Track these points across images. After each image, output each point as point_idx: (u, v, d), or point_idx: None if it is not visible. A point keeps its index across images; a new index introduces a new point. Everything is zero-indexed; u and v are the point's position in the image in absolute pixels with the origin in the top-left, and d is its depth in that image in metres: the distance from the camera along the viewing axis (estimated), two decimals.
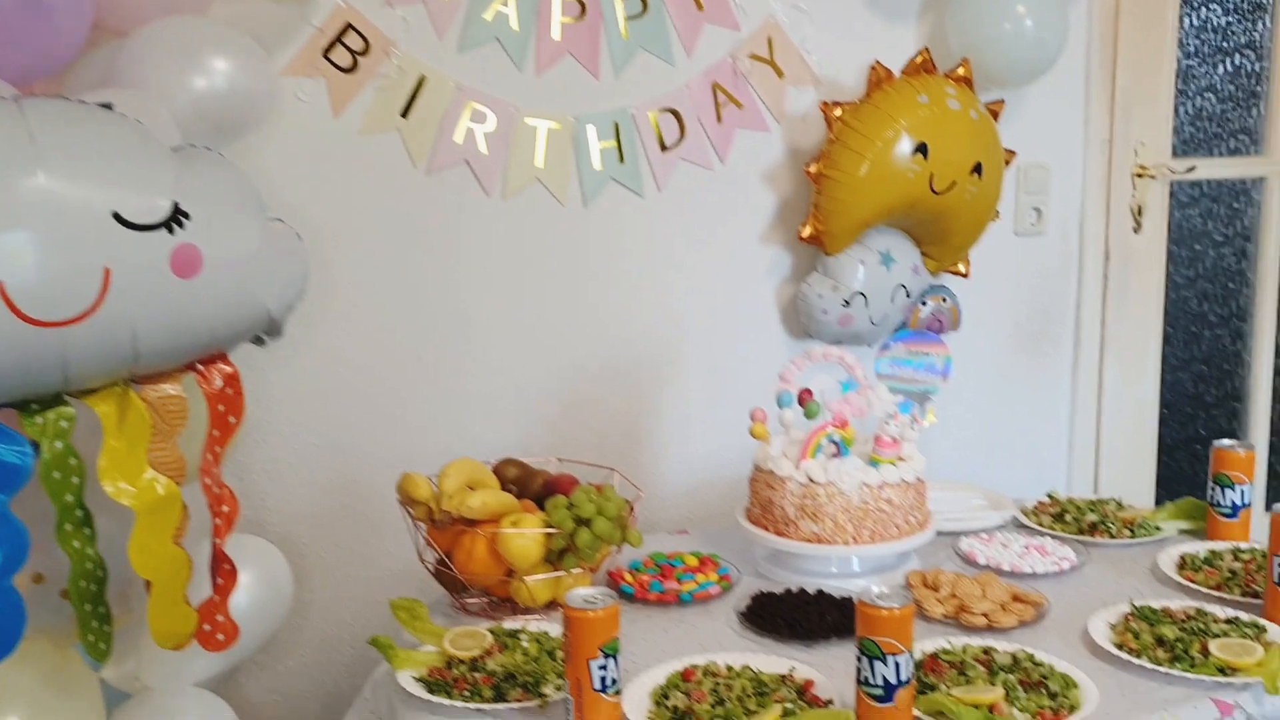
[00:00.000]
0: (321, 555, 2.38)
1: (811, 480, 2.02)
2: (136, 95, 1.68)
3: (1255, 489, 2.20)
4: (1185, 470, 3.31)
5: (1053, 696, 1.61)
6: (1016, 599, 1.94)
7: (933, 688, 1.63)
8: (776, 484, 2.06)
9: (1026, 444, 3.07)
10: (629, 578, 2.06)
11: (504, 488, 2.11)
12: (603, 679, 1.53)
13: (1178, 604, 1.90)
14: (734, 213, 2.63)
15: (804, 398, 2.15)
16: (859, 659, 1.53)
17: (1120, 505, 2.39)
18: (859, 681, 1.54)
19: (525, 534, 1.84)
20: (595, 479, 2.12)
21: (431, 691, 1.66)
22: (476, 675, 1.68)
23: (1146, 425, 3.17)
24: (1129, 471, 3.19)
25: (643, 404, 2.61)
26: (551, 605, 1.95)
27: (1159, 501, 3.18)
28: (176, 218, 1.45)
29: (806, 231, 2.54)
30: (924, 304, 2.74)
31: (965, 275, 2.79)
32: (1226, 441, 2.21)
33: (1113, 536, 2.23)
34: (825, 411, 2.10)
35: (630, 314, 2.57)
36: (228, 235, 1.54)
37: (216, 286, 1.51)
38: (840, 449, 2.06)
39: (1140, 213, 3.04)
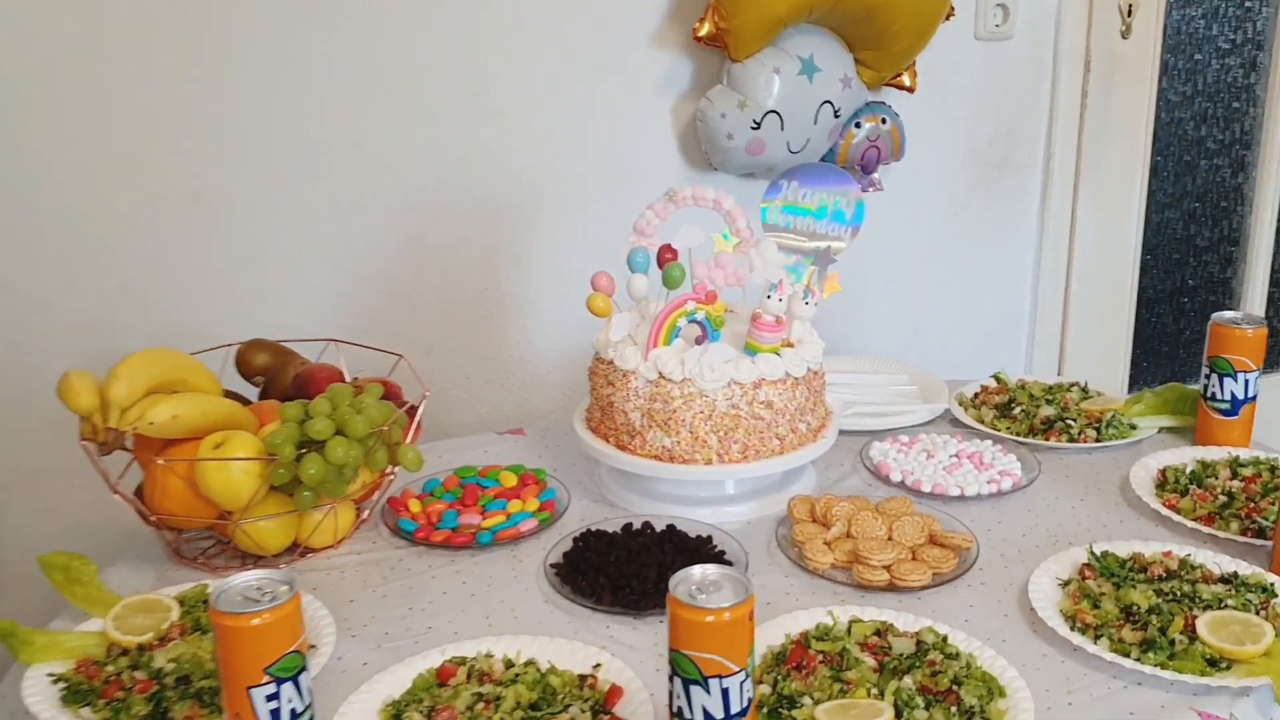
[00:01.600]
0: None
1: (662, 376, 1.47)
2: None
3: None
4: (1166, 330, 2.77)
5: (968, 717, 1.09)
6: (934, 540, 1.41)
7: (792, 702, 1.11)
8: (618, 380, 1.50)
9: (979, 306, 2.52)
10: (415, 507, 1.52)
11: (250, 380, 1.55)
12: (275, 713, 1.00)
13: (1154, 547, 1.38)
14: (614, 4, 1.99)
15: (664, 258, 1.57)
16: (672, 679, 1.01)
17: (1085, 392, 1.85)
18: (672, 713, 1.02)
19: (229, 463, 1.28)
20: (383, 369, 1.57)
21: (65, 702, 1.14)
22: (136, 675, 1.15)
23: (1124, 277, 2.62)
24: (1101, 339, 2.65)
25: (485, 264, 2.03)
26: (296, 549, 1.42)
27: (1134, 381, 2.66)
28: None
29: (704, 30, 1.93)
30: (857, 126, 2.14)
31: (911, 90, 2.19)
32: (1228, 315, 1.66)
33: (1073, 439, 1.70)
34: (689, 279, 1.53)
35: (469, 143, 1.96)
36: None
37: None
38: (706, 332, 1.50)
39: (1129, 12, 2.42)
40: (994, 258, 2.50)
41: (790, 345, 1.52)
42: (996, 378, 1.91)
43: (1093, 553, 1.36)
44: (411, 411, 1.47)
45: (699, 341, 1.51)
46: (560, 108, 2.00)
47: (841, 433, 1.65)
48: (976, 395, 1.86)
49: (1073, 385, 1.86)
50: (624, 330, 1.51)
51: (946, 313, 2.46)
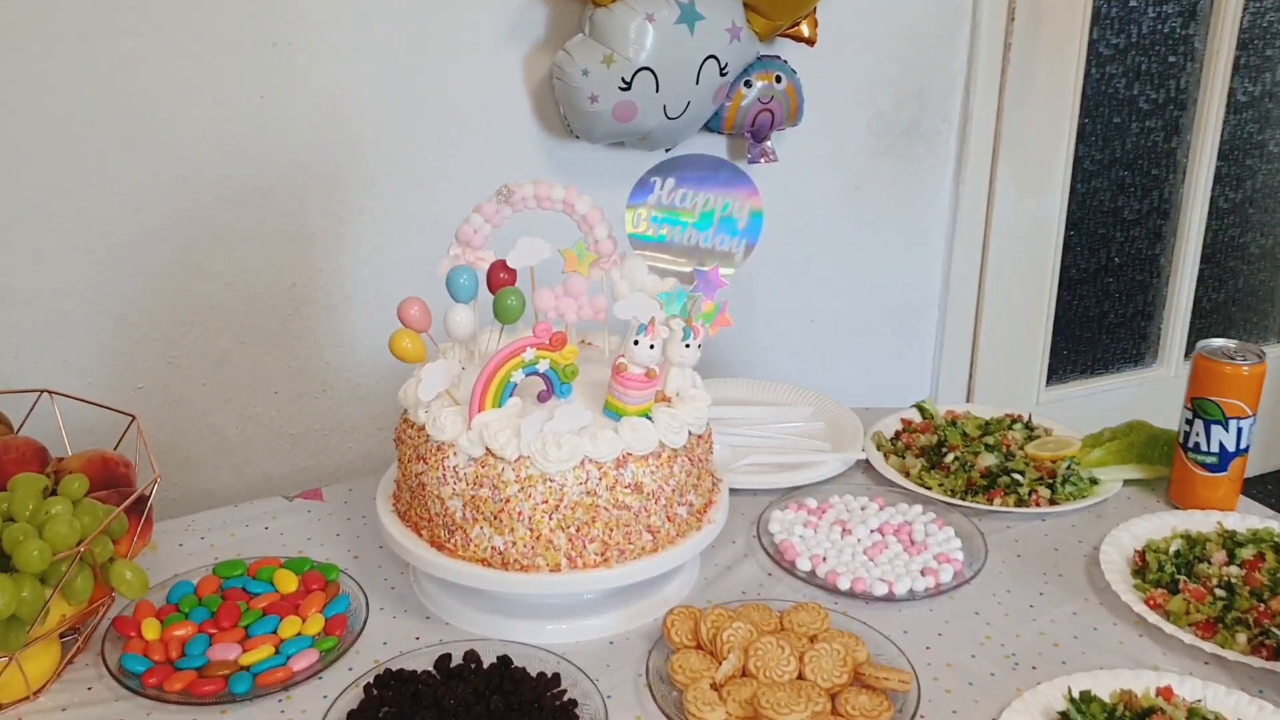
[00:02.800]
0: None
1: (490, 453, 1.06)
2: None
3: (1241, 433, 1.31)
4: (1089, 314, 2.45)
5: None
6: (860, 678, 1.03)
7: None
8: (431, 455, 1.09)
9: (885, 291, 2.16)
10: (151, 631, 1.09)
11: None
12: None
13: (1147, 680, 1.03)
14: None
15: (495, 280, 1.16)
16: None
17: (1030, 430, 1.50)
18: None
19: None
20: (109, 433, 1.13)
21: None
22: None
23: (1045, 255, 2.29)
24: (1019, 324, 2.32)
25: (293, 254, 1.58)
26: None
27: (1053, 370, 2.34)
28: None
29: None
30: (747, 86, 1.74)
31: (810, 42, 1.79)
32: (1218, 343, 1.31)
33: (1022, 501, 1.34)
34: (529, 310, 1.12)
35: (264, 109, 1.50)
36: None
37: None
38: (552, 387, 1.09)
39: None
40: (902, 236, 2.13)
41: (666, 401, 1.13)
42: (921, 409, 1.55)
43: (1072, 699, 1.01)
44: (137, 505, 1.03)
45: (542, 399, 1.10)
46: (382, 60, 1.55)
47: (733, 491, 1.27)
48: (898, 435, 1.50)
49: (1015, 422, 1.51)
50: (439, 384, 1.09)
51: (848, 299, 2.10)
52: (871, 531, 1.27)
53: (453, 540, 1.10)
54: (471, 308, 1.13)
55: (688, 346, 1.12)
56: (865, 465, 1.43)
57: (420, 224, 1.63)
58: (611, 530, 1.08)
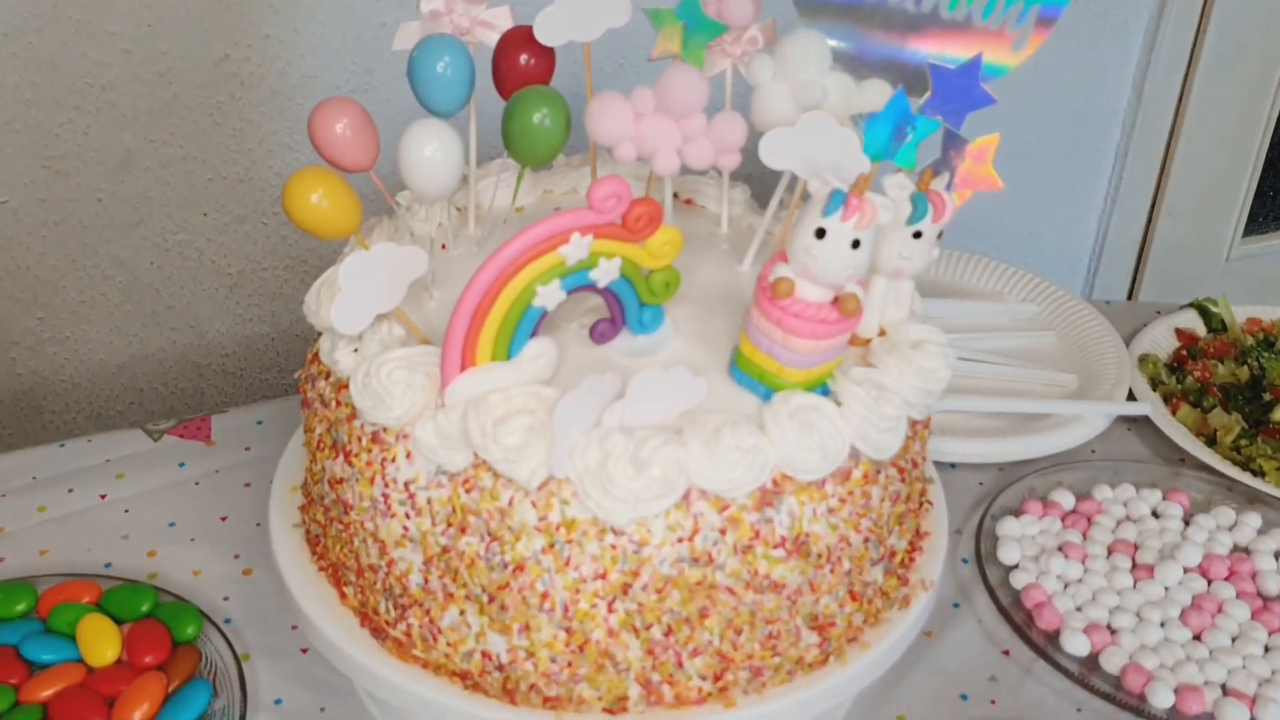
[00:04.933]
0: None
1: (484, 466, 0.47)
2: None
3: None
4: None
5: None
6: None
7: None
8: (361, 453, 0.51)
9: (1055, 99, 1.55)
10: None
11: None
12: None
13: None
14: None
15: (514, 72, 0.55)
16: None
17: None
18: None
19: None
20: None
21: None
22: None
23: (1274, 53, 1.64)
24: (1226, 151, 1.70)
25: (203, 25, 0.99)
26: None
27: (1252, 218, 1.73)
28: None
29: None
30: None
31: None
32: None
33: None
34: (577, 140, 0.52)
35: None
36: None
37: None
38: (625, 314, 0.50)
39: None
40: (1090, 20, 1.50)
41: (863, 349, 0.53)
42: (1203, 310, 0.94)
43: None
44: None
45: (598, 338, 0.51)
46: None
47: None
48: (1178, 361, 0.90)
49: None
50: (377, 298, 0.50)
51: (1009, 103, 1.49)
52: (1186, 572, 0.69)
53: (403, 626, 0.53)
54: (457, 133, 0.54)
55: (918, 237, 0.52)
56: (1140, 421, 0.84)
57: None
58: (738, 633, 0.50)
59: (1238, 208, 1.80)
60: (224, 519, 0.74)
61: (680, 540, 0.48)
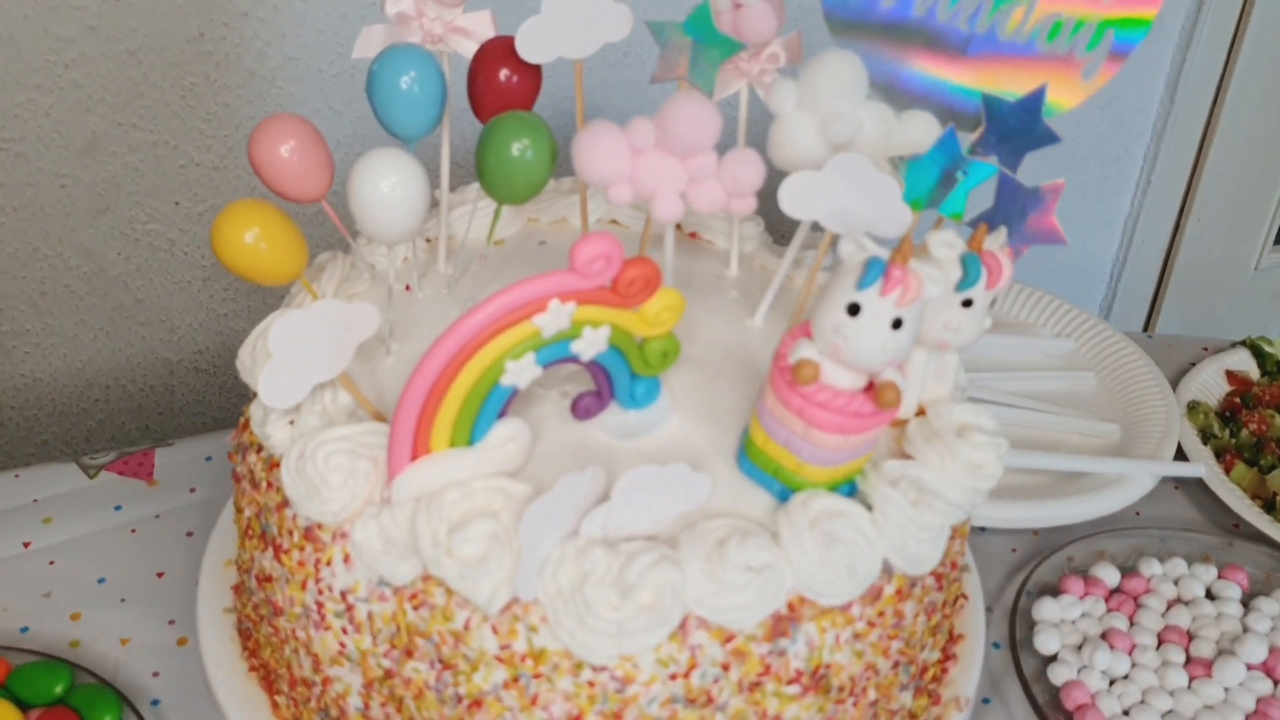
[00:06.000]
0: None
1: (434, 582, 0.38)
2: None
3: None
4: None
5: None
6: None
7: None
8: (293, 550, 0.42)
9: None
10: None
11: None
12: None
13: None
14: None
15: (491, 90, 0.46)
16: None
17: None
18: None
19: None
20: None
21: None
22: None
23: None
24: (1260, 153, 1.61)
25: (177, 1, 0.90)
26: None
27: None
28: None
29: None
30: None
31: None
32: None
33: None
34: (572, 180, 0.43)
35: None
36: None
37: None
38: (613, 387, 0.41)
39: None
40: None
41: (900, 430, 0.45)
42: (1257, 349, 0.86)
43: None
44: None
45: (581, 414, 0.43)
46: None
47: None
48: (1230, 410, 0.81)
49: None
50: (319, 368, 0.41)
51: None
52: (1249, 670, 0.61)
53: None
54: (420, 165, 0.45)
55: (967, 305, 0.43)
56: (1191, 489, 0.75)
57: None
58: None
59: (1270, 215, 1.72)
60: (160, 575, 0.65)
61: (673, 677, 0.39)
